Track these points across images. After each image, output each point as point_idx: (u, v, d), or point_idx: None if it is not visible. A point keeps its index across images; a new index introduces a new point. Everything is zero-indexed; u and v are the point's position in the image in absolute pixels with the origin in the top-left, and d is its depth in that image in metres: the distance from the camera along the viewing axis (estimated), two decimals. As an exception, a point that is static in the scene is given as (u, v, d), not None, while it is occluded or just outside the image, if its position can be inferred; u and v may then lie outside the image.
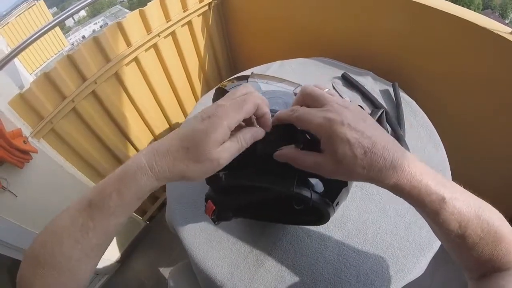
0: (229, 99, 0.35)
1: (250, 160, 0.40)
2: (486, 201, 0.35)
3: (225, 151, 0.33)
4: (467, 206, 0.32)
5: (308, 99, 0.37)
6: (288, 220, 0.56)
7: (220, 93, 0.58)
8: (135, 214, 1.45)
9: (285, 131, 0.39)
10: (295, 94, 0.50)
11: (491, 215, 0.33)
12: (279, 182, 0.40)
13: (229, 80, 0.59)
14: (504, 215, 0.35)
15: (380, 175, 0.31)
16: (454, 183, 0.34)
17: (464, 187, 0.35)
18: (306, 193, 0.40)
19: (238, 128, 0.35)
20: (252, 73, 0.58)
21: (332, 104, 0.34)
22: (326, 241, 0.58)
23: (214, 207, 0.46)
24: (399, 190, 0.32)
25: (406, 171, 0.31)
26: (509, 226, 0.34)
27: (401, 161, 0.31)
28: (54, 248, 0.31)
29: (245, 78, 0.55)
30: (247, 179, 0.41)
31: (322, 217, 0.47)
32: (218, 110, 0.33)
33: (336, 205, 0.44)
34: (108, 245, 0.34)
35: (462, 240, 0.32)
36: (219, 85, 0.58)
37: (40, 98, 0.89)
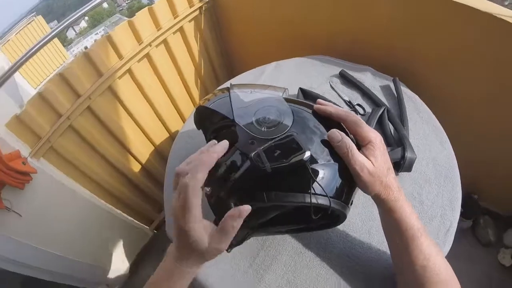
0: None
1: (256, 180, 0.39)
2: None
3: (221, 242, 0.37)
4: (434, 244, 0.42)
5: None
6: (303, 228, 0.54)
7: (200, 112, 0.56)
8: (142, 224, 1.45)
9: (286, 146, 0.39)
10: (285, 99, 0.48)
11: (444, 259, 0.42)
12: (294, 197, 0.39)
13: (205, 98, 0.56)
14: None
15: (389, 191, 0.41)
16: None
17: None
18: (324, 201, 0.39)
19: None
20: (230, 84, 0.55)
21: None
22: (328, 252, 0.56)
23: None
24: (393, 210, 0.41)
25: (403, 197, 0.42)
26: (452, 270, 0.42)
27: (401, 191, 0.43)
28: None
29: (226, 90, 0.53)
30: (259, 200, 0.39)
31: (339, 219, 0.47)
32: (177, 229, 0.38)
33: (351, 205, 0.44)
34: None
35: (423, 270, 0.40)
36: (198, 104, 0.55)
37: (36, 118, 0.89)
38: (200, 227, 0.36)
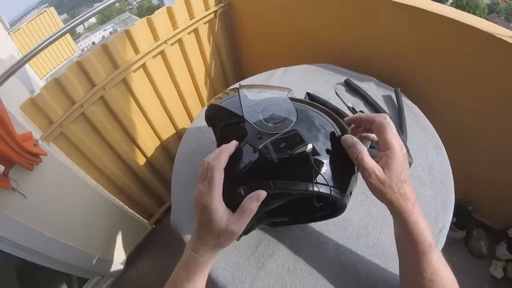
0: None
1: (263, 170, 0.43)
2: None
3: (238, 223, 0.40)
4: (442, 259, 0.42)
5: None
6: (305, 219, 0.58)
7: (211, 109, 0.59)
8: (141, 218, 1.47)
9: (290, 139, 0.43)
10: (290, 99, 0.52)
11: (451, 273, 0.42)
12: (298, 185, 0.42)
13: (217, 97, 0.60)
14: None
15: (402, 202, 0.40)
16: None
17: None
18: (325, 190, 0.42)
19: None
20: (240, 85, 0.60)
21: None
22: (327, 245, 0.59)
23: None
24: (407, 222, 0.41)
25: (418, 211, 0.41)
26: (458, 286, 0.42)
27: (416, 205, 0.42)
28: None
29: (236, 90, 0.57)
30: (266, 188, 0.42)
31: (339, 209, 0.49)
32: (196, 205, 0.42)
33: (350, 194, 0.47)
34: None
35: (431, 284, 0.40)
36: (210, 101, 0.60)
37: (50, 103, 0.91)
38: (223, 205, 0.40)
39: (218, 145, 0.48)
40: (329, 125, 0.47)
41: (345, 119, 0.49)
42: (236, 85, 0.84)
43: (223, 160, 0.41)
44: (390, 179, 0.40)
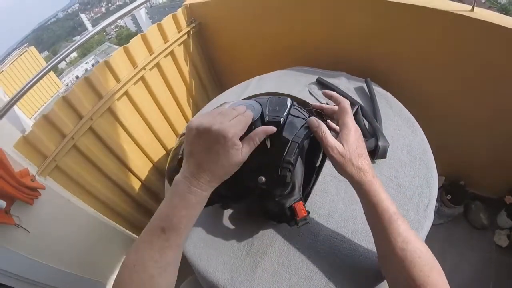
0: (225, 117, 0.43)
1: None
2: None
3: (245, 154, 0.43)
4: (411, 229, 0.44)
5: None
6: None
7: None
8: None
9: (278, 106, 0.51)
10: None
11: (424, 244, 0.44)
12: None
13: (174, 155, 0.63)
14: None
15: (361, 173, 0.45)
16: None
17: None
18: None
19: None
20: (181, 134, 0.64)
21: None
22: (317, 236, 0.60)
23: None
24: (368, 192, 0.45)
25: (377, 183, 0.45)
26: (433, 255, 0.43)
27: (376, 178, 0.46)
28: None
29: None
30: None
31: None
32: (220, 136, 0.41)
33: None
34: (179, 260, 0.43)
35: (404, 253, 0.41)
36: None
37: (42, 139, 0.95)
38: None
39: None
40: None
41: (323, 91, 0.59)
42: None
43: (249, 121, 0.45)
44: (349, 152, 0.45)
